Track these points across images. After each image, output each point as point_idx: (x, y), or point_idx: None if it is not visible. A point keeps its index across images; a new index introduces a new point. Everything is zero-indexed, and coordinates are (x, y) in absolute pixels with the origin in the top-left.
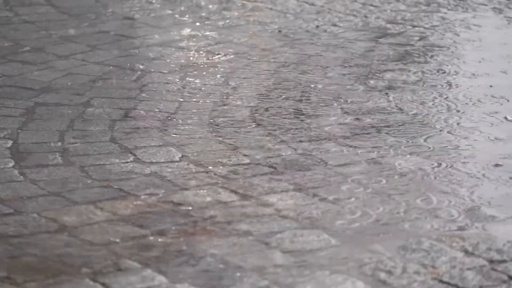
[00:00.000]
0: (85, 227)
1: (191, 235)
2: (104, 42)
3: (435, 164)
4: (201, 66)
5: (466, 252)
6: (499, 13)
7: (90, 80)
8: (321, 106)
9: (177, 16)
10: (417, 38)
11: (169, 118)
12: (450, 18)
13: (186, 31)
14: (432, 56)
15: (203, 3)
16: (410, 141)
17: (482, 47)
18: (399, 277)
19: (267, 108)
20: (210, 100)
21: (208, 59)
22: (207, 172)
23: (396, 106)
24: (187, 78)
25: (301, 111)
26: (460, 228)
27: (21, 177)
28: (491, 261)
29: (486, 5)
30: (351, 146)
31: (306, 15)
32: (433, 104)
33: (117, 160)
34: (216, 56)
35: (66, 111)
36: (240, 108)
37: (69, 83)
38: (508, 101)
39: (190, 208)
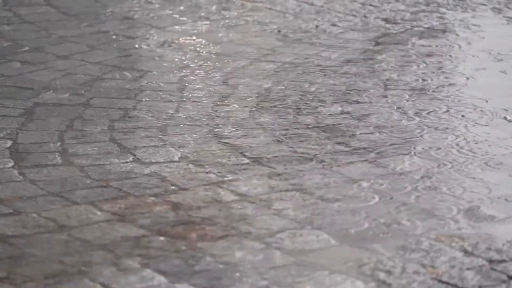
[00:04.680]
0: (85, 227)
1: (191, 235)
2: (103, 42)
3: (435, 164)
4: (201, 66)
5: (465, 252)
6: (499, 13)
7: (90, 80)
8: (321, 106)
9: (176, 16)
10: (416, 38)
11: (168, 118)
12: (449, 18)
13: (186, 31)
14: (431, 56)
15: (202, 3)
16: (410, 141)
17: (481, 47)
18: (399, 277)
19: (266, 108)
20: (210, 100)
21: (207, 59)
22: (206, 172)
23: (395, 106)
24: (187, 78)
25: (301, 111)
26: (460, 228)
27: (21, 177)
28: (490, 261)
29: (485, 5)
30: (351, 146)
31: (306, 15)
32: (432, 104)
33: (116, 160)
34: (216, 56)
35: (65, 111)
36: (239, 108)
37: (69, 83)
38: (507, 101)
39: (190, 208)
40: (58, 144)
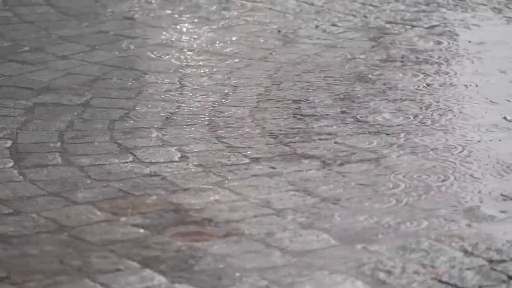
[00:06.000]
0: (85, 227)
1: (191, 235)
2: (103, 42)
3: (434, 164)
4: (201, 66)
5: (465, 252)
6: (499, 13)
7: (90, 80)
8: (321, 106)
9: (176, 16)
10: (416, 38)
11: (168, 118)
12: (449, 18)
13: (186, 31)
14: (431, 56)
15: (202, 3)
16: (409, 141)
17: (481, 47)
18: (399, 277)
19: (266, 108)
20: (210, 100)
21: (207, 59)
22: (206, 172)
23: (395, 106)
24: (187, 78)
25: (301, 111)
26: (460, 228)
27: (21, 177)
28: (490, 261)
29: (485, 5)
30: (351, 146)
31: (306, 15)
32: (432, 104)
33: (116, 160)
34: (216, 56)
35: (65, 111)
36: (239, 108)
37: (69, 83)
38: (507, 101)
39: (190, 208)
40: (58, 144)
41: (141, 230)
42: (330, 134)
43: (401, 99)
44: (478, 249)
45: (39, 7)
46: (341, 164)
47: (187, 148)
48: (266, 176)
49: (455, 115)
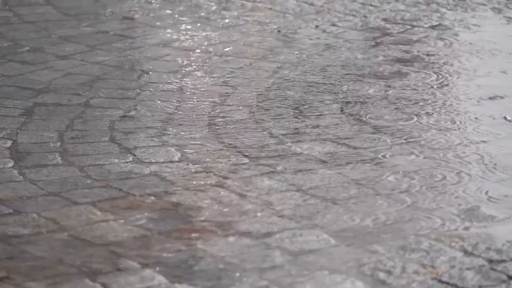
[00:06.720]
0: (85, 227)
1: (191, 235)
2: (103, 42)
3: (434, 164)
4: (201, 66)
5: (465, 252)
6: (498, 13)
7: (90, 80)
8: (321, 106)
9: (176, 16)
10: (416, 38)
11: (168, 118)
12: (449, 18)
13: (186, 31)
14: (431, 56)
15: (202, 3)
16: (410, 141)
17: (481, 47)
18: (399, 277)
19: (266, 108)
20: (210, 100)
21: (207, 59)
22: (206, 172)
23: (396, 106)
24: (187, 78)
25: (301, 111)
26: (460, 228)
27: (21, 177)
28: (490, 261)
29: (485, 5)
30: (351, 146)
31: (306, 15)
32: (432, 104)
33: (116, 160)
34: (216, 56)
35: (65, 111)
36: (239, 108)
37: (69, 83)
38: (507, 101)
39: (190, 208)
40: (58, 144)
41: (141, 230)
42: (330, 134)
43: (401, 99)
44: (478, 249)
45: (39, 7)
46: (341, 164)
47: (187, 148)
48: (266, 176)
49: (455, 115)
